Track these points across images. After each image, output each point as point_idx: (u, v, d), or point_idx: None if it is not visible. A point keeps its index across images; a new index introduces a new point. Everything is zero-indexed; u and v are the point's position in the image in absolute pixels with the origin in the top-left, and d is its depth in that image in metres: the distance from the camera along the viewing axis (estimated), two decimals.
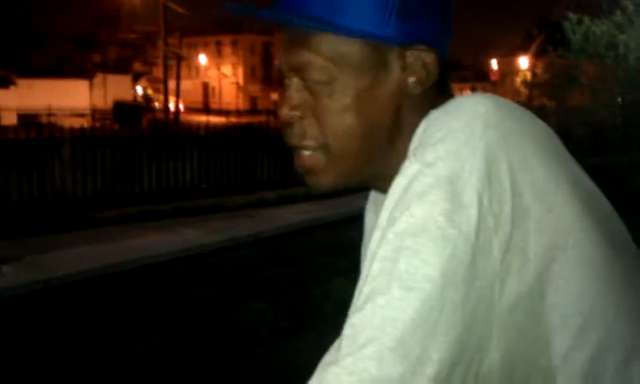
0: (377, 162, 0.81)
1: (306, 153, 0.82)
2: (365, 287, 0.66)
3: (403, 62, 0.79)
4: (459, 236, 0.64)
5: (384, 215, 0.69)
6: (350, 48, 0.78)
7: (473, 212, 0.64)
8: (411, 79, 0.80)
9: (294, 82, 0.81)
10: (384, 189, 0.85)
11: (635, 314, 0.70)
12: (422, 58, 0.79)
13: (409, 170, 0.69)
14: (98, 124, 24.44)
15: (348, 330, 0.65)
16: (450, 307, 0.63)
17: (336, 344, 0.66)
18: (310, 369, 0.67)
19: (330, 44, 0.77)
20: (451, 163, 0.66)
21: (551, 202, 0.67)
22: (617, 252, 0.71)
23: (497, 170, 0.66)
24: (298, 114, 0.81)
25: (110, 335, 5.17)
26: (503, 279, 0.65)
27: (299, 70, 0.80)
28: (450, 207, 0.64)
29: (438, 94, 0.81)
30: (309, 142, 0.81)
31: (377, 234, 0.69)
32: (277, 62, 0.83)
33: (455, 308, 0.63)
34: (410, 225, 0.65)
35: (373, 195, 1.01)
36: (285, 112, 0.81)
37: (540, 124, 0.74)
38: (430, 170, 0.67)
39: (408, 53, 0.79)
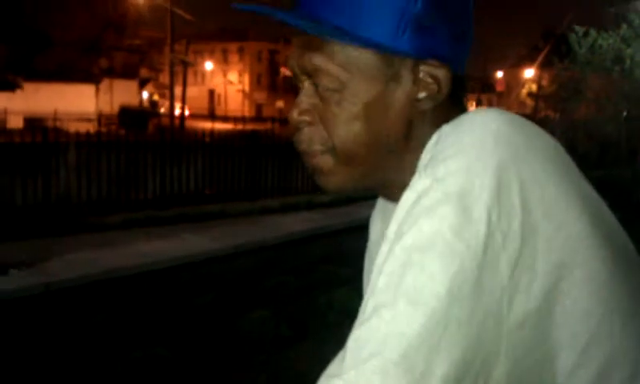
0: (386, 170, 0.82)
1: (313, 156, 0.84)
2: (370, 300, 0.66)
3: (415, 75, 0.80)
4: (467, 252, 0.63)
5: (392, 228, 0.69)
6: (363, 57, 0.78)
7: (481, 228, 0.64)
8: (422, 93, 0.80)
9: (306, 87, 0.83)
10: (392, 197, 0.86)
11: None
12: (434, 73, 0.80)
13: (418, 184, 0.69)
14: (103, 129, 24.49)
15: (352, 342, 0.65)
16: (454, 324, 0.63)
17: (340, 356, 0.66)
18: (311, 377, 0.67)
19: (343, 52, 0.78)
20: (462, 179, 0.66)
21: (561, 220, 0.67)
22: (624, 269, 0.71)
23: (507, 187, 0.65)
24: (307, 118, 0.82)
25: (112, 340, 5.17)
26: (511, 296, 0.65)
27: (311, 75, 0.81)
28: (458, 223, 0.64)
29: (451, 107, 0.82)
30: (316, 147, 0.83)
31: (384, 247, 0.69)
32: (290, 65, 0.84)
33: (460, 324, 0.63)
34: (418, 239, 0.65)
35: (380, 204, 1.01)
36: (294, 116, 0.83)
37: (550, 139, 0.74)
38: (440, 186, 0.66)
39: (421, 67, 0.80)
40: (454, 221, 0.64)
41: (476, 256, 0.63)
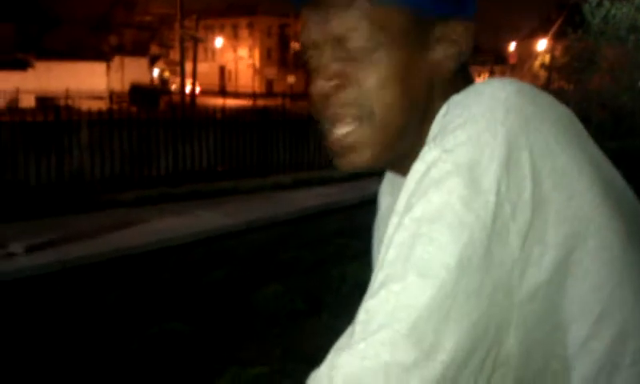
0: (408, 139, 0.80)
1: (344, 127, 0.80)
2: (379, 273, 0.66)
3: (443, 33, 0.80)
4: (476, 223, 0.63)
5: (402, 201, 0.69)
6: (397, 15, 0.77)
7: (491, 198, 0.63)
8: (449, 52, 0.80)
9: (328, 53, 0.80)
10: (404, 171, 0.84)
11: None
12: (459, 30, 0.80)
13: (428, 155, 0.68)
14: (115, 107, 24.54)
15: (362, 315, 0.65)
16: (463, 295, 0.62)
17: (349, 329, 0.66)
18: (325, 350, 0.68)
19: (379, 10, 0.77)
20: (471, 149, 0.65)
21: (572, 189, 0.66)
22: (637, 239, 0.70)
23: (517, 157, 0.65)
24: (336, 82, 0.79)
25: (128, 317, 5.22)
26: (523, 268, 0.64)
27: (341, 37, 0.78)
28: (467, 194, 0.64)
29: (461, 78, 0.82)
30: (351, 110, 0.79)
31: (394, 219, 0.69)
32: (307, 36, 0.81)
33: (469, 296, 0.62)
34: (427, 211, 0.65)
35: (388, 177, 1.01)
36: (321, 83, 0.80)
37: (562, 108, 0.72)
38: (450, 157, 0.66)
39: (449, 24, 0.80)
40: (463, 192, 0.64)
41: (485, 227, 0.63)
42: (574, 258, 0.66)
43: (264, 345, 4.77)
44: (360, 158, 0.81)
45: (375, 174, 0.94)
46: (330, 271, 6.13)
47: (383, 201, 1.02)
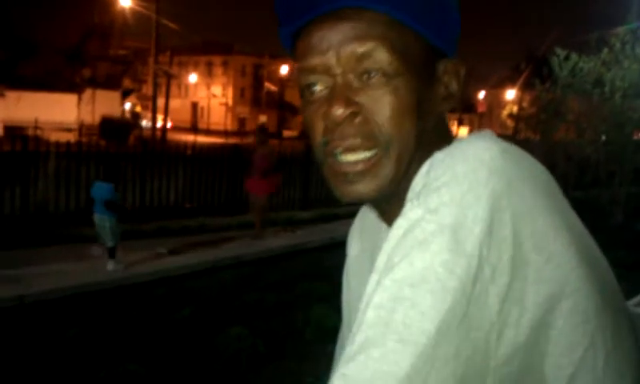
0: (407, 175, 0.78)
1: (357, 155, 0.78)
2: (358, 335, 0.64)
3: (445, 69, 0.82)
4: (458, 287, 0.62)
5: (382, 258, 0.67)
6: (416, 46, 0.78)
7: (473, 262, 0.63)
8: (448, 90, 0.82)
9: (343, 78, 0.78)
10: (385, 213, 0.85)
11: (623, 365, 0.70)
12: (458, 71, 0.82)
13: (411, 213, 0.67)
14: (84, 139, 24.33)
15: (339, 380, 0.63)
16: (442, 360, 0.61)
17: None
18: None
19: (399, 38, 0.77)
20: (455, 211, 0.64)
21: (550, 252, 0.66)
22: (607, 301, 0.70)
23: (500, 219, 0.64)
24: (353, 109, 0.77)
25: (86, 355, 5.08)
26: (500, 330, 0.64)
27: (359, 62, 0.77)
28: (451, 258, 0.63)
29: (445, 125, 0.84)
30: (365, 140, 0.78)
31: (373, 277, 0.67)
32: (318, 61, 0.78)
33: (448, 361, 0.62)
34: (409, 274, 0.64)
35: (358, 221, 1.00)
36: (338, 111, 0.76)
37: (540, 168, 0.73)
38: (433, 217, 0.65)
39: (450, 64, 0.82)
40: (447, 256, 0.63)
41: (465, 291, 0.62)
42: (550, 320, 0.65)
43: None
44: (367, 187, 0.79)
45: (342, 217, 0.93)
46: (295, 314, 6.07)
47: (353, 247, 1.01)
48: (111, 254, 7.72)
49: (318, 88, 0.80)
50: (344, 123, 0.77)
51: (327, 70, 0.78)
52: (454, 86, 0.83)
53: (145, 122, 42.91)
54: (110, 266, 7.66)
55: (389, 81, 0.76)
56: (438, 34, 0.80)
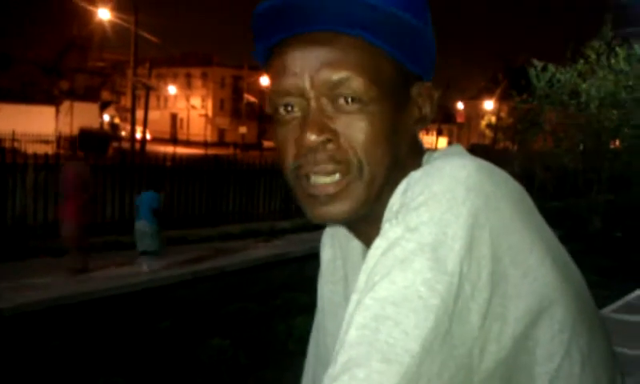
0: (382, 198, 0.78)
1: (328, 177, 0.78)
2: (341, 355, 0.63)
3: (419, 92, 0.83)
4: (440, 305, 0.62)
5: (362, 277, 0.67)
6: (391, 71, 0.78)
7: (454, 280, 0.63)
8: (421, 113, 0.83)
9: (317, 103, 0.77)
10: (360, 232, 0.85)
11: (598, 370, 0.71)
12: (431, 94, 0.84)
13: (390, 232, 0.67)
14: (62, 151, 24.11)
15: None
16: (426, 379, 0.61)
17: None
18: None
19: (374, 63, 0.77)
20: (434, 229, 0.65)
21: (526, 266, 0.67)
22: (582, 311, 0.72)
23: (479, 236, 0.65)
24: (328, 136, 0.77)
25: (66, 369, 5.03)
26: (483, 345, 0.64)
27: (333, 88, 0.76)
28: (432, 276, 0.63)
29: (418, 144, 0.85)
30: (339, 166, 0.78)
31: (354, 297, 0.67)
32: (291, 83, 0.78)
33: (432, 379, 0.62)
34: (391, 293, 0.63)
35: (329, 229, 1.01)
36: (312, 137, 0.76)
37: (515, 185, 0.73)
38: (413, 236, 0.65)
39: (423, 87, 0.83)
40: (428, 274, 0.63)
41: (447, 309, 0.63)
42: (528, 333, 0.66)
43: None
44: (340, 209, 0.79)
45: (324, 227, 0.94)
46: (277, 324, 6.06)
47: (325, 253, 1.02)
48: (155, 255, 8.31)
49: (290, 109, 0.79)
50: (317, 149, 0.77)
51: (301, 93, 0.77)
52: (427, 109, 0.83)
53: (124, 133, 42.63)
54: (145, 266, 8.19)
55: (363, 107, 0.76)
56: (414, 59, 0.81)
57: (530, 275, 0.67)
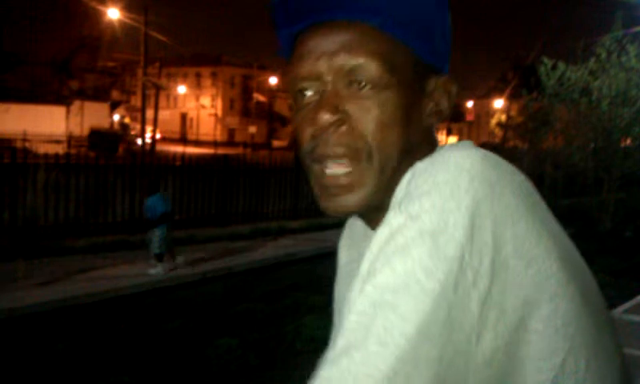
0: (393, 187, 0.77)
1: (340, 167, 0.79)
2: (340, 339, 0.65)
3: (436, 85, 0.83)
4: (439, 291, 0.63)
5: (365, 264, 0.68)
6: (407, 60, 0.79)
7: (454, 266, 0.63)
8: (437, 107, 0.83)
9: (333, 86, 0.79)
10: (374, 223, 0.83)
11: (604, 368, 0.70)
12: (448, 88, 0.83)
13: (393, 221, 0.68)
14: (73, 151, 24.25)
15: (320, 383, 0.63)
16: (424, 363, 0.62)
17: None
18: None
19: (390, 52, 0.78)
20: (436, 217, 0.65)
21: (531, 256, 0.66)
22: (589, 306, 0.71)
23: (480, 224, 0.65)
24: (340, 116, 0.78)
25: (76, 368, 5.05)
26: (480, 332, 0.64)
27: (350, 71, 0.78)
28: (431, 263, 0.63)
29: (433, 136, 0.84)
30: (348, 150, 0.78)
31: (357, 283, 0.67)
32: (308, 69, 0.79)
33: (431, 363, 0.62)
34: (391, 279, 0.64)
35: (347, 231, 1.01)
36: (326, 116, 0.77)
37: (520, 176, 0.73)
38: (415, 223, 0.65)
39: (440, 80, 0.83)
40: (427, 261, 0.63)
41: (447, 295, 0.63)
42: (530, 323, 0.66)
43: None
44: (353, 200, 0.79)
45: (333, 226, 0.93)
46: (286, 325, 6.06)
47: (342, 256, 1.02)
48: (159, 258, 8.41)
49: (308, 94, 0.81)
50: (330, 130, 0.78)
51: (318, 77, 0.79)
52: (444, 104, 0.84)
53: (134, 133, 42.81)
54: (152, 270, 8.30)
55: (378, 93, 0.77)
56: (429, 49, 0.81)
57: (533, 266, 0.66)
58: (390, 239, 0.66)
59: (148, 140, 31.63)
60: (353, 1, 0.78)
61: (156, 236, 8.38)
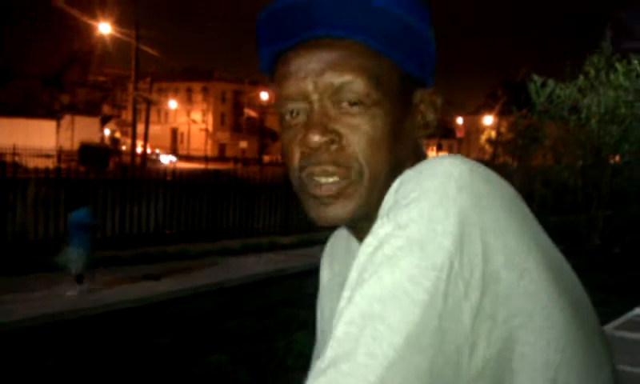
0: (380, 200, 0.77)
1: (331, 179, 0.80)
2: (328, 350, 0.64)
3: (422, 98, 0.84)
4: (428, 301, 0.62)
5: (353, 274, 0.68)
6: (393, 75, 0.80)
7: (443, 275, 0.63)
8: (425, 120, 0.84)
9: (321, 106, 0.79)
10: (361, 233, 0.83)
11: (596, 381, 0.71)
12: (434, 100, 0.84)
13: (380, 230, 0.67)
14: (63, 165, 24.16)
15: None
16: (414, 373, 0.61)
17: None
18: None
19: (376, 68, 0.78)
20: (423, 226, 0.65)
21: (522, 268, 0.66)
22: (580, 318, 0.71)
23: (469, 234, 0.65)
24: (330, 137, 0.78)
25: None
26: (472, 344, 0.64)
27: (337, 90, 0.78)
28: (419, 272, 0.63)
29: (421, 149, 0.85)
30: (339, 168, 0.79)
31: (345, 293, 0.67)
32: (296, 87, 0.80)
33: (420, 374, 0.62)
34: (379, 290, 0.64)
35: (328, 249, 1.01)
36: (315, 138, 0.78)
37: (509, 188, 0.73)
38: (402, 232, 0.65)
39: (427, 93, 0.84)
40: (415, 270, 0.63)
41: (436, 305, 0.62)
42: (521, 336, 0.66)
43: None
44: (344, 210, 0.80)
45: (324, 242, 0.94)
46: (277, 340, 6.03)
47: (324, 274, 1.02)
48: (78, 280, 7.71)
49: (295, 114, 0.81)
50: (320, 150, 0.79)
51: (305, 97, 0.79)
52: (430, 116, 0.85)
53: (124, 148, 42.70)
54: (71, 291, 7.61)
55: (366, 109, 0.78)
56: (415, 64, 0.82)
57: (525, 278, 0.66)
58: (377, 249, 0.66)
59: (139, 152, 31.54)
60: (337, 18, 0.78)
61: (80, 254, 7.70)
